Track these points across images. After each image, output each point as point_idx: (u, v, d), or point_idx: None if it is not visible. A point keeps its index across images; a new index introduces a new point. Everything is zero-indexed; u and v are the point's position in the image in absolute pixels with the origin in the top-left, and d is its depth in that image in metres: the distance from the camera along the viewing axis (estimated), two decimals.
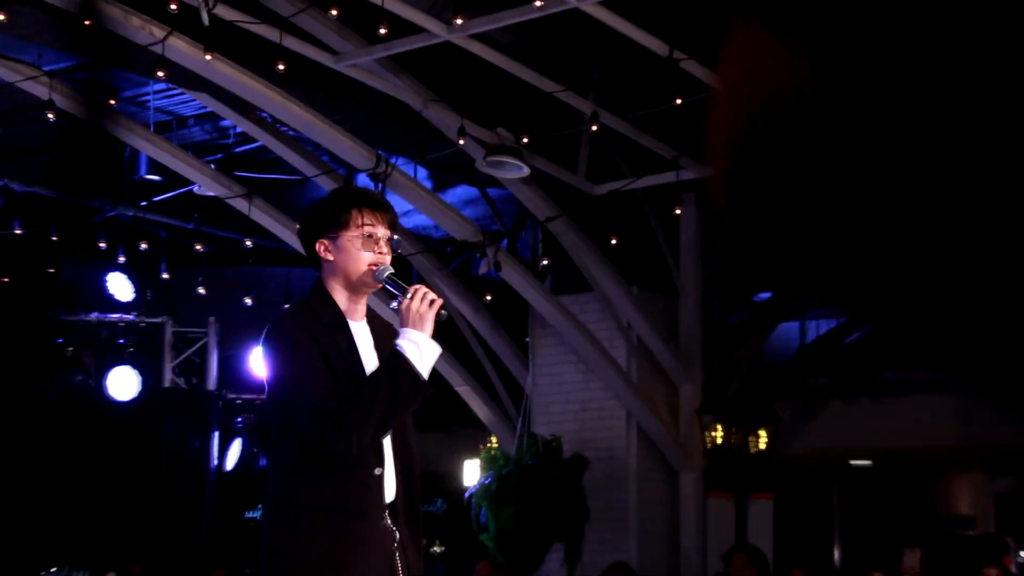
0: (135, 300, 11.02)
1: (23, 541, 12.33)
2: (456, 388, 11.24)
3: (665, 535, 10.60)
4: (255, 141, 9.29)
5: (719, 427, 10.43)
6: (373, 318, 3.54)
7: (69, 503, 12.53)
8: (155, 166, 9.58)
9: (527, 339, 11.11)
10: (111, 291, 10.88)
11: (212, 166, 9.58)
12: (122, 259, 10.67)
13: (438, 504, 15.55)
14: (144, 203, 10.36)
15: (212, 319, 11.53)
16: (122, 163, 9.57)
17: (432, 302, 3.38)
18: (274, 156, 9.42)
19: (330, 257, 3.46)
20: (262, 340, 3.44)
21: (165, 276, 10.89)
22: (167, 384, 11.53)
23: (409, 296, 3.38)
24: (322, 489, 3.32)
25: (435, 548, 15.52)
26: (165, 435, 11.90)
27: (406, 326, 3.36)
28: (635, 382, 10.42)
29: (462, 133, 8.49)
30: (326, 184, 9.38)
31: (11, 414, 11.92)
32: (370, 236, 3.43)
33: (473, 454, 11.64)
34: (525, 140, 8.80)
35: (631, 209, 10.21)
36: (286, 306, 3.61)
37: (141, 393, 11.02)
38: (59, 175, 9.76)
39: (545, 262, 10.42)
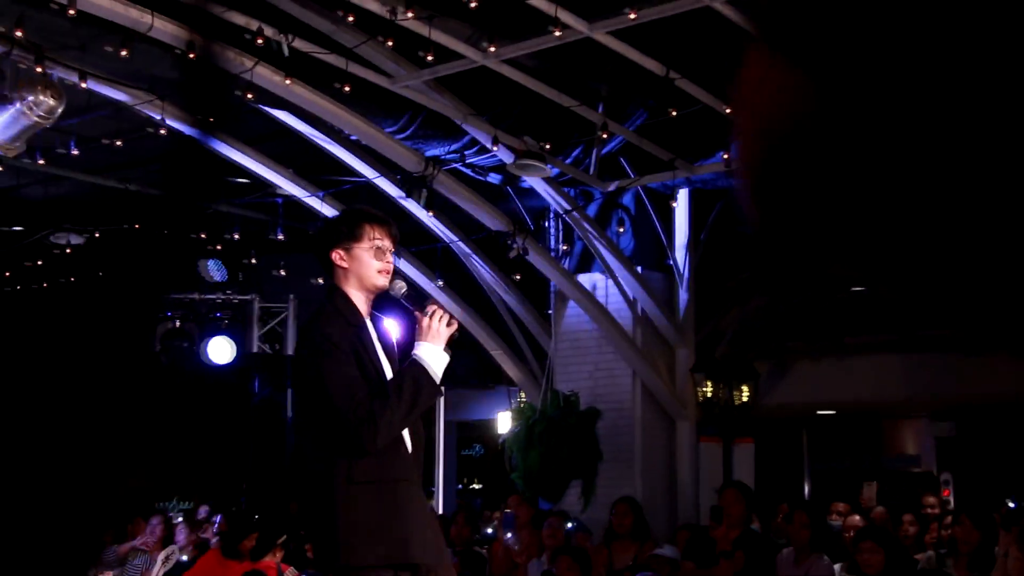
0: (228, 281, 11.15)
1: (138, 479, 12.51)
2: (491, 352, 11.33)
3: (664, 473, 10.60)
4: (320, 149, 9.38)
5: (709, 383, 10.45)
6: (372, 315, 3.55)
7: (178, 448, 12.70)
8: (244, 170, 9.72)
9: (550, 311, 11.16)
10: (207, 274, 11.03)
11: (290, 170, 9.76)
12: (218, 247, 10.87)
13: (477, 449, 15.54)
14: (236, 200, 10.48)
15: (291, 296, 11.64)
16: (218, 168, 9.65)
17: (448, 322, 3.40)
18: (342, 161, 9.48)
19: (345, 265, 3.46)
20: (302, 337, 3.49)
21: (252, 261, 11.08)
22: (255, 350, 11.64)
23: (428, 314, 3.39)
24: (374, 465, 3.29)
25: (474, 485, 15.55)
26: (254, 393, 12.06)
27: (424, 340, 3.36)
28: (640, 346, 10.44)
29: (496, 141, 8.54)
30: (384, 184, 9.47)
31: (132, 375, 12.10)
32: (379, 248, 3.46)
33: (505, 407, 11.87)
34: (547, 146, 8.84)
35: (634, 202, 10.24)
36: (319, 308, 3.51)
37: (236, 358, 11.03)
38: (168, 179, 9.92)
39: (564, 248, 10.46)
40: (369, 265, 3.46)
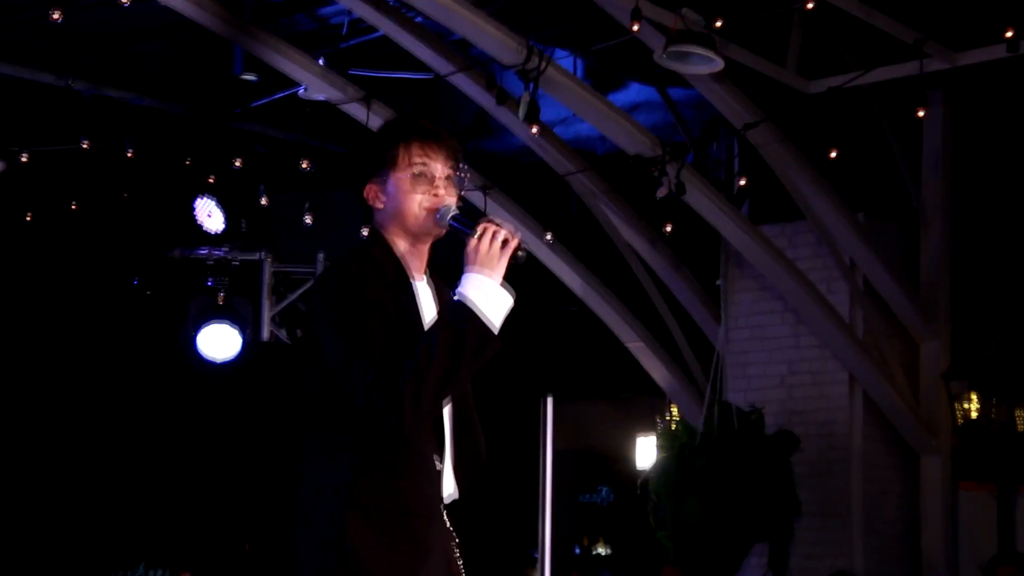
0: (226, 231, 11.16)
1: (89, 534, 12.84)
2: (627, 345, 11.38)
3: (900, 537, 10.69)
4: (374, 31, 9.46)
5: (974, 396, 10.45)
6: (434, 275, 3.79)
7: (148, 491, 12.98)
8: (251, 63, 9.81)
9: (719, 282, 11.22)
10: (198, 220, 11.05)
11: (321, 62, 9.79)
12: (211, 179, 10.83)
13: (603, 493, 15.70)
14: (238, 110, 10.50)
15: (321, 255, 11.71)
16: (212, 61, 9.80)
17: (505, 241, 3.57)
18: (398, 50, 9.51)
19: (380, 204, 3.72)
20: (315, 289, 3.69)
21: (264, 201, 11.09)
22: (265, 337, 11.75)
23: (477, 235, 3.58)
24: (385, 485, 3.54)
25: (599, 548, 15.71)
26: (261, 404, 12.16)
27: (471, 268, 3.56)
28: (861, 337, 10.48)
29: (637, 16, 8.51)
30: (463, 84, 9.55)
31: (75, 376, 12.35)
32: (421, 174, 3.69)
33: (649, 429, 11.92)
34: (718, 24, 8.82)
35: (857, 112, 10.19)
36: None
37: (239, 352, 11.22)
38: (134, 74, 9.97)
39: (742, 182, 10.44)
40: (410, 200, 3.70)
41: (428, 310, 3.73)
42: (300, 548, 3.61)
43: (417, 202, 3.69)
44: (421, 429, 3.55)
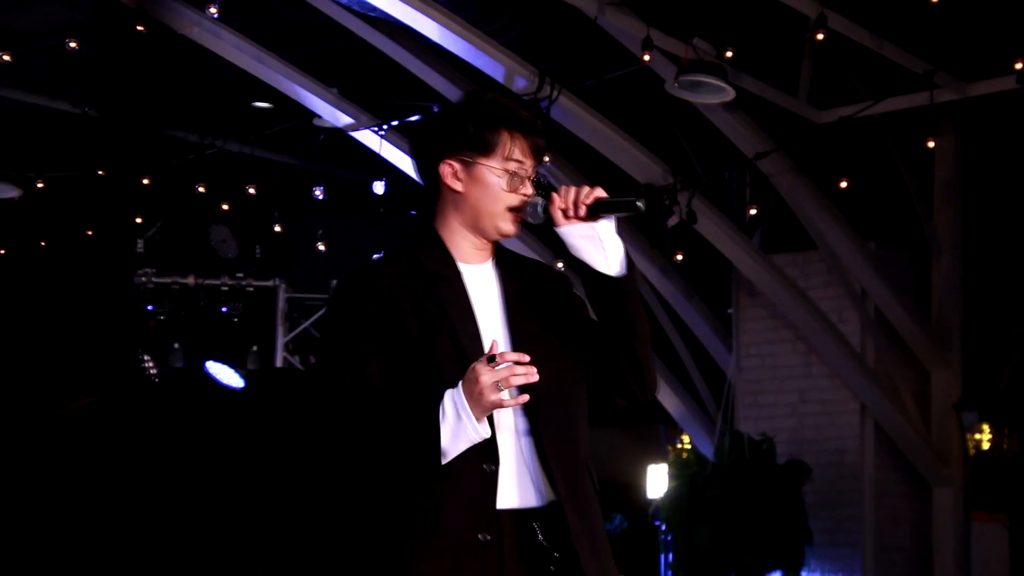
0: (240, 258, 11.22)
1: (101, 561, 12.83)
2: None
3: (912, 567, 10.68)
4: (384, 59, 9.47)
5: (986, 427, 10.45)
6: (504, 258, 3.49)
7: (155, 519, 12.96)
8: (265, 91, 9.84)
9: (730, 310, 11.24)
10: (212, 246, 11.14)
11: (335, 90, 9.84)
12: (225, 207, 10.86)
13: (616, 522, 15.60)
14: (252, 137, 10.53)
15: (335, 283, 11.71)
16: (223, 87, 9.81)
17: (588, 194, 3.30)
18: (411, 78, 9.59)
19: (459, 187, 3.39)
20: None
21: (278, 228, 11.11)
22: (279, 363, 11.75)
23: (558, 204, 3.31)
24: (381, 495, 3.30)
25: None
26: (274, 430, 12.12)
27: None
28: (872, 366, 10.48)
29: (648, 46, 8.53)
30: None
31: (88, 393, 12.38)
32: (516, 174, 3.37)
33: (660, 457, 11.78)
34: (729, 54, 8.88)
35: (869, 142, 10.20)
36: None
37: (250, 380, 11.23)
38: (147, 100, 10.04)
39: (753, 212, 10.48)
40: (497, 197, 3.38)
41: (487, 295, 3.41)
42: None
43: (504, 201, 3.37)
44: None
